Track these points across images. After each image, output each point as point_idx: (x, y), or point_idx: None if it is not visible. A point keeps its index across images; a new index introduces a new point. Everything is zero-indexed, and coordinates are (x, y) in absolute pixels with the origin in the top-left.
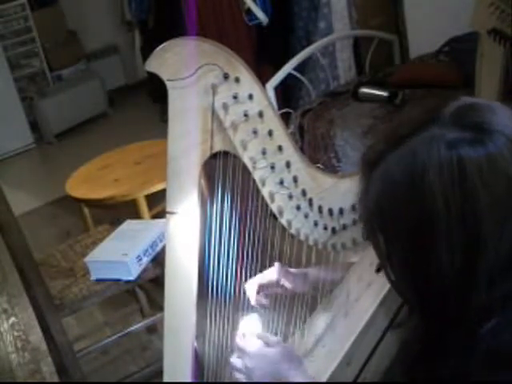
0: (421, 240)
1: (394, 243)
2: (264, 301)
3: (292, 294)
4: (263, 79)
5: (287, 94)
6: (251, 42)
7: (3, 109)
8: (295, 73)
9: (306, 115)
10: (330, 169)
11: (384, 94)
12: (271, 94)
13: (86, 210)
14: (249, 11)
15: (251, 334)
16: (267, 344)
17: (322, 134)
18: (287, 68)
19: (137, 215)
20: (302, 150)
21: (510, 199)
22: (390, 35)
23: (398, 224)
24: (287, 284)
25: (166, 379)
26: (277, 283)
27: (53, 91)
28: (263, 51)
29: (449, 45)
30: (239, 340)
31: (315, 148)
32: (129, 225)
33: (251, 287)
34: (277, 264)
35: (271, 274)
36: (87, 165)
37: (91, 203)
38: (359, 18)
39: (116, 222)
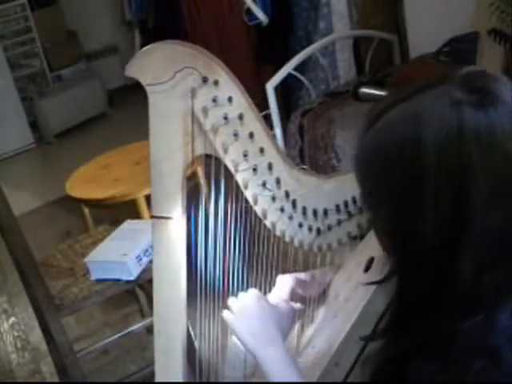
0: (409, 195)
1: (383, 195)
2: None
3: (303, 299)
4: (263, 79)
5: (287, 94)
6: (251, 41)
7: (3, 109)
8: (295, 73)
9: (306, 115)
10: (330, 169)
11: (384, 93)
12: (271, 94)
13: (86, 210)
14: (249, 11)
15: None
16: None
17: (321, 133)
18: (287, 68)
19: (137, 215)
20: (301, 150)
21: (506, 177)
22: (390, 35)
23: (390, 175)
24: (300, 291)
25: (157, 380)
26: (292, 293)
27: (53, 91)
28: (263, 51)
29: (449, 45)
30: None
31: (315, 148)
32: (129, 225)
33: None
34: (286, 277)
35: (285, 288)
36: (87, 165)
37: (91, 203)
38: (359, 18)
39: (116, 222)
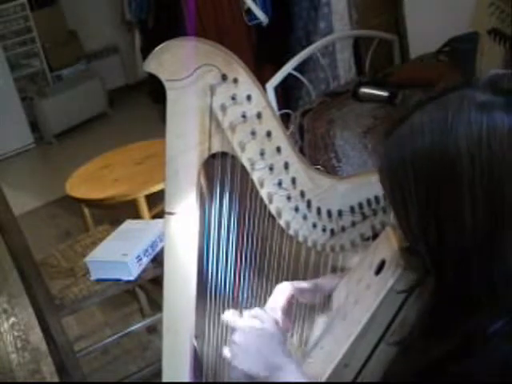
0: (443, 196)
1: (415, 197)
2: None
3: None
4: (263, 79)
5: (287, 94)
6: (251, 41)
7: (3, 109)
8: (295, 73)
9: (306, 115)
10: (330, 169)
11: (384, 93)
12: (271, 94)
13: (86, 210)
14: (249, 11)
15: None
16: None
17: (321, 134)
18: (287, 68)
19: (137, 215)
20: (301, 150)
21: None
22: (390, 35)
23: (421, 176)
24: (302, 300)
25: (164, 379)
26: (290, 304)
27: (53, 91)
28: (263, 51)
29: (449, 45)
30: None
31: (315, 148)
32: (129, 225)
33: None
34: (285, 284)
35: (282, 296)
36: (87, 165)
37: (91, 203)
38: (359, 18)
39: (116, 222)
